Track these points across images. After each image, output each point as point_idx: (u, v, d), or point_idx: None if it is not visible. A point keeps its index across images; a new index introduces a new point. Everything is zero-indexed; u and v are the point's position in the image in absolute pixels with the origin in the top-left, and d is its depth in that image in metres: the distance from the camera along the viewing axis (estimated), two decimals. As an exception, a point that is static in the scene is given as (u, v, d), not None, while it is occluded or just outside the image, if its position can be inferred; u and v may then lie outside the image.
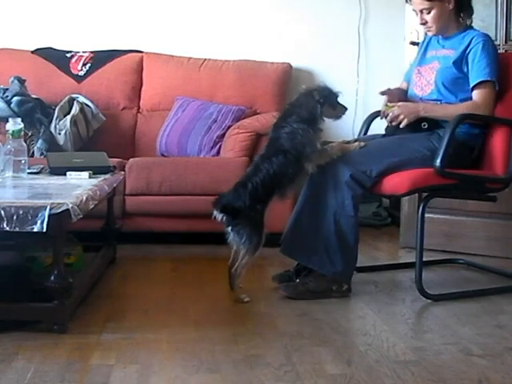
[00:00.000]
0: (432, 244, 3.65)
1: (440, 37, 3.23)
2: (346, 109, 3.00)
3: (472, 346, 2.37)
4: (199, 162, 4.01)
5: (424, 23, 3.14)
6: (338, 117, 3.01)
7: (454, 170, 2.94)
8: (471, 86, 3.05)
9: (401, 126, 3.05)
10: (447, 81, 3.09)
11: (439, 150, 2.89)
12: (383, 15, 4.78)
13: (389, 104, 3.14)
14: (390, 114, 3.07)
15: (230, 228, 2.82)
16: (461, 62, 3.07)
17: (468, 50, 3.06)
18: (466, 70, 3.07)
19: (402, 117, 3.04)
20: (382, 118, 3.19)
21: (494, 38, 3.94)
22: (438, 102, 3.11)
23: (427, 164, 2.92)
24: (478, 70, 3.03)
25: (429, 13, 3.09)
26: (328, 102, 2.92)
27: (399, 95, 3.25)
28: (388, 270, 3.47)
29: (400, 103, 3.10)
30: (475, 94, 3.04)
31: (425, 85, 3.16)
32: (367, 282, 3.21)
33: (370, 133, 3.40)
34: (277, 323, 2.63)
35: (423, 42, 3.36)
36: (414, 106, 3.09)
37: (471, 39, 3.07)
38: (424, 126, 3.06)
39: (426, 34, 3.32)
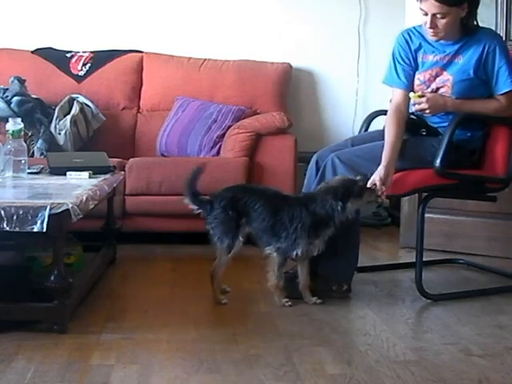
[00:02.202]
0: (432, 244, 3.65)
1: (433, 40, 3.04)
2: (373, 191, 2.80)
3: (472, 346, 2.37)
4: (199, 162, 4.00)
5: (433, 27, 2.88)
6: (369, 202, 2.86)
7: (453, 170, 2.94)
8: (497, 91, 2.95)
9: (425, 114, 2.98)
10: (466, 92, 2.97)
11: (439, 150, 2.88)
12: (383, 15, 4.78)
13: (416, 93, 2.98)
14: (417, 106, 2.96)
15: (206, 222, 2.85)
16: (477, 69, 2.94)
17: (484, 55, 2.92)
18: (483, 76, 2.95)
19: (428, 111, 2.95)
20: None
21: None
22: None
23: (427, 165, 2.91)
24: (502, 78, 2.93)
25: (443, 18, 2.85)
26: (347, 198, 2.77)
27: None
28: (388, 270, 3.47)
29: (429, 94, 2.96)
30: (503, 98, 2.96)
31: (440, 93, 3.01)
32: (367, 281, 3.21)
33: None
34: (277, 323, 2.63)
35: (405, 41, 3.07)
36: (444, 102, 2.96)
37: (485, 43, 2.93)
38: (423, 132, 3.05)
39: (407, 36, 3.07)
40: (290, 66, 4.66)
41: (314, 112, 4.85)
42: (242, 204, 2.82)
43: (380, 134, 3.05)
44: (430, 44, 3.03)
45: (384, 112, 3.35)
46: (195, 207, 2.88)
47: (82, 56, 4.61)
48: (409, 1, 4.17)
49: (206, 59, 4.63)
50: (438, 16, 2.85)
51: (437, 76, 3.02)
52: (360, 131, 3.48)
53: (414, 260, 2.95)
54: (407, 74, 3.06)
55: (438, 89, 3.01)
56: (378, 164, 2.87)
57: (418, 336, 2.55)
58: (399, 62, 3.08)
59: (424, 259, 2.97)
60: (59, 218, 2.36)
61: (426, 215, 2.96)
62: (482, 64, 2.94)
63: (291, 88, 4.72)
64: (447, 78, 3.00)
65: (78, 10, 4.73)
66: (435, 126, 3.06)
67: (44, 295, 2.45)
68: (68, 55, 4.61)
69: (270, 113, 4.27)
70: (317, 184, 2.94)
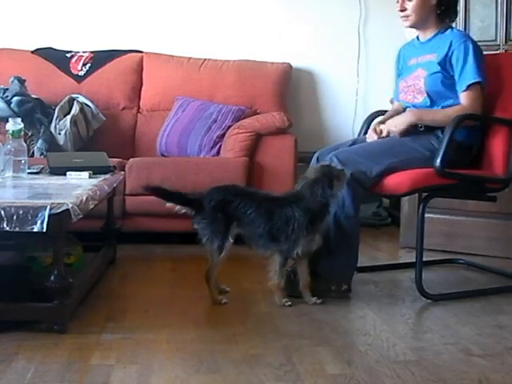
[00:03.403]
0: (432, 244, 3.65)
1: (416, 42, 3.20)
2: (343, 172, 2.83)
3: (472, 346, 2.37)
4: (199, 162, 4.01)
5: (403, 10, 3.10)
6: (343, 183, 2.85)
7: (453, 170, 2.95)
8: (459, 90, 3.02)
9: (395, 132, 3.07)
10: (437, 87, 3.05)
11: (439, 150, 2.89)
12: (383, 15, 4.78)
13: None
14: (381, 135, 3.10)
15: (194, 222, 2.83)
16: (445, 64, 3.03)
17: (450, 52, 3.03)
18: (452, 72, 3.04)
19: (385, 133, 3.07)
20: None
21: (493, 38, 3.97)
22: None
23: (427, 164, 2.92)
24: (463, 74, 3.00)
25: (410, 0, 3.07)
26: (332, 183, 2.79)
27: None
28: (388, 270, 3.47)
29: (386, 123, 3.11)
30: (462, 97, 3.02)
31: (417, 93, 3.12)
32: (367, 281, 3.21)
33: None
34: (277, 323, 2.63)
35: (398, 56, 3.31)
36: (403, 118, 3.08)
37: (451, 41, 3.04)
38: (420, 127, 3.06)
39: (400, 51, 3.29)
40: (290, 66, 4.66)
41: (314, 112, 4.85)
42: (232, 207, 2.78)
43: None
44: (412, 49, 3.20)
45: (384, 112, 3.36)
46: (181, 207, 2.84)
47: (82, 56, 4.61)
48: (409, 1, 4.17)
49: (205, 59, 4.63)
50: None
51: (418, 76, 3.12)
52: (360, 131, 3.49)
53: (414, 260, 2.95)
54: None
55: (412, 85, 3.13)
56: (376, 162, 2.90)
57: (418, 336, 2.55)
58: (397, 77, 3.30)
59: (424, 259, 2.97)
60: (59, 218, 2.36)
61: (426, 215, 2.95)
62: (449, 60, 3.02)
63: (291, 88, 4.72)
64: (423, 74, 3.10)
65: (78, 10, 4.74)
66: None
67: (44, 295, 2.45)
68: (68, 55, 4.61)
69: (270, 113, 4.28)
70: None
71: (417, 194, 3.52)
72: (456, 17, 3.20)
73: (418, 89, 3.11)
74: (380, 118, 3.29)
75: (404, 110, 3.23)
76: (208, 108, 4.32)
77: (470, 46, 3.01)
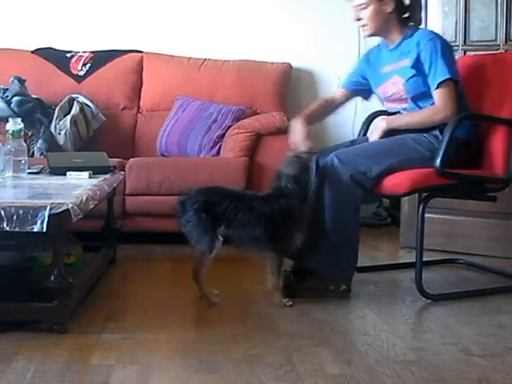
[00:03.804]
0: (432, 244, 3.65)
1: (385, 50, 3.19)
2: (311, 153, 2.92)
3: (472, 346, 2.37)
4: (199, 162, 4.01)
5: (358, 19, 3.09)
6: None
7: (453, 170, 2.95)
8: (431, 89, 3.01)
9: (371, 139, 3.09)
10: (418, 89, 3.04)
11: (439, 150, 2.89)
12: (383, 15, 4.77)
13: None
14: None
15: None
16: (418, 66, 3.02)
17: (418, 51, 3.01)
18: (426, 72, 3.02)
19: (376, 137, 3.08)
20: None
21: (493, 38, 3.97)
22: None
23: (427, 164, 2.92)
24: (432, 73, 2.98)
25: (364, 8, 3.05)
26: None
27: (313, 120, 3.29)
28: (388, 270, 3.47)
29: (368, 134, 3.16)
30: (435, 96, 3.00)
31: (400, 101, 3.12)
32: (367, 281, 3.21)
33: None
34: (277, 323, 2.63)
35: (366, 59, 3.29)
36: (377, 126, 3.10)
37: (419, 40, 3.02)
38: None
39: (368, 53, 3.30)
40: (290, 66, 4.66)
41: (314, 112, 4.84)
42: (220, 209, 2.75)
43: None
44: (382, 56, 3.19)
45: (384, 112, 3.36)
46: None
47: (82, 56, 4.61)
48: (408, 1, 4.17)
49: (206, 59, 4.63)
50: (361, 7, 3.06)
51: (395, 83, 3.11)
52: (360, 131, 3.49)
53: (414, 260, 2.95)
54: (354, 80, 3.33)
55: (393, 94, 3.12)
56: (376, 162, 2.90)
57: (418, 336, 2.55)
58: (355, 70, 3.35)
59: (424, 259, 2.97)
60: (59, 218, 2.36)
61: (426, 215, 2.95)
62: (419, 60, 3.01)
63: (291, 88, 4.72)
64: (399, 80, 3.09)
65: (78, 9, 4.74)
66: None
67: (44, 295, 2.45)
68: (68, 55, 4.62)
69: (270, 113, 4.28)
70: (317, 182, 2.94)
71: (417, 194, 3.52)
72: (420, 20, 3.16)
73: (400, 97, 3.10)
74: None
75: (334, 105, 3.34)
76: (208, 108, 4.32)
77: (438, 43, 2.99)
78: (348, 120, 4.75)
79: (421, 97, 3.05)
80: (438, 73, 2.97)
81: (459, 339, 2.45)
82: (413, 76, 3.03)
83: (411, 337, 2.51)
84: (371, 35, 3.16)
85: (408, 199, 3.91)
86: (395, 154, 2.96)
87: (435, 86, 2.98)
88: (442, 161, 2.87)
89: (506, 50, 3.94)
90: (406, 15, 3.11)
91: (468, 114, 3.01)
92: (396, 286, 3.26)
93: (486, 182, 3.07)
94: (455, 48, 4.00)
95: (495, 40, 3.98)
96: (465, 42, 4.02)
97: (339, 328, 2.57)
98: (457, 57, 3.88)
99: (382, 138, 3.06)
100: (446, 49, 3.01)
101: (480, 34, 4.01)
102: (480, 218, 3.80)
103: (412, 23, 3.12)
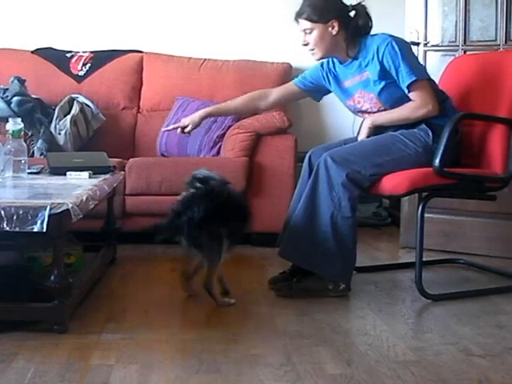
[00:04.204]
0: (432, 244, 3.66)
1: (340, 66, 3.15)
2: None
3: (472, 346, 2.37)
4: (199, 162, 4.00)
5: (306, 44, 3.09)
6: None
7: (453, 170, 2.95)
8: (406, 91, 2.98)
9: (359, 138, 3.08)
10: (394, 95, 3.02)
11: (438, 149, 2.89)
12: (383, 15, 4.75)
13: None
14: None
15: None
16: (384, 74, 2.99)
17: (380, 59, 2.98)
18: (394, 78, 3.00)
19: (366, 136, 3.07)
20: None
21: (493, 38, 3.97)
22: None
23: (421, 160, 2.94)
24: (402, 74, 2.96)
25: (310, 33, 3.05)
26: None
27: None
28: (388, 270, 3.47)
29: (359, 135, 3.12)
30: (412, 97, 2.99)
31: (381, 110, 3.07)
32: (367, 281, 3.21)
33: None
34: (277, 323, 2.63)
35: (326, 64, 3.23)
36: (363, 125, 3.09)
37: (377, 48, 2.99)
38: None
39: (326, 63, 3.24)
40: (290, 66, 4.66)
41: (314, 112, 4.85)
42: (221, 218, 2.72)
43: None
44: (342, 69, 3.16)
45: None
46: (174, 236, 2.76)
47: (82, 56, 4.61)
48: (409, 1, 4.17)
49: (205, 59, 4.63)
50: (307, 32, 3.07)
51: (364, 97, 3.09)
52: (359, 131, 3.48)
53: (414, 260, 2.95)
54: (309, 81, 3.32)
55: (370, 108, 3.09)
56: (370, 160, 2.91)
57: (418, 336, 2.55)
58: (310, 74, 3.31)
59: (424, 259, 2.97)
60: (59, 218, 2.36)
61: (426, 215, 2.96)
62: (384, 68, 2.99)
63: (291, 88, 4.72)
64: (370, 95, 3.07)
65: (78, 9, 4.74)
66: None
67: (44, 295, 2.45)
68: (68, 55, 4.62)
69: (270, 113, 4.27)
70: (311, 183, 2.94)
71: (417, 194, 3.52)
72: (370, 25, 3.11)
73: (378, 108, 3.08)
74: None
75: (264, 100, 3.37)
76: (208, 108, 4.32)
77: (395, 47, 2.96)
78: (348, 120, 4.74)
79: (398, 101, 3.03)
80: (405, 77, 2.96)
81: (459, 339, 2.45)
82: (383, 87, 3.01)
83: (411, 337, 2.51)
84: (321, 58, 3.15)
85: (408, 199, 3.91)
86: (388, 152, 2.96)
87: (407, 90, 2.98)
88: (440, 160, 2.87)
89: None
90: (355, 28, 3.06)
91: (467, 113, 3.01)
92: (396, 286, 3.26)
93: (486, 181, 3.07)
94: (455, 48, 4.01)
95: (495, 40, 3.97)
96: (465, 41, 4.02)
97: (339, 328, 2.57)
98: (456, 55, 3.90)
99: (371, 136, 3.06)
100: (404, 50, 2.98)
101: (480, 34, 4.01)
102: (480, 218, 3.80)
103: (362, 37, 3.07)
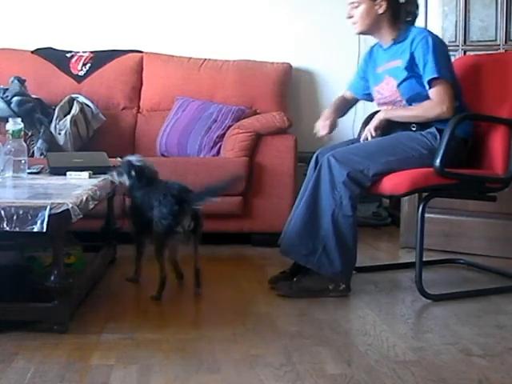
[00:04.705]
0: (432, 244, 3.65)
1: (380, 50, 3.20)
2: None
3: (472, 346, 2.37)
4: (199, 162, 4.01)
5: (350, 17, 3.12)
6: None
7: (453, 170, 2.95)
8: (427, 87, 3.00)
9: (373, 135, 3.06)
10: (414, 90, 3.04)
11: (439, 150, 2.89)
12: (383, 15, 4.77)
13: None
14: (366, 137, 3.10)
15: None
16: (412, 67, 3.02)
17: (412, 51, 3.02)
18: (419, 72, 3.02)
19: (368, 133, 3.07)
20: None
21: (493, 38, 3.97)
22: None
23: (425, 163, 2.93)
24: (426, 69, 2.98)
25: (356, 7, 3.08)
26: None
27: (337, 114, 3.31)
28: (388, 270, 3.47)
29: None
30: (430, 94, 3.01)
31: (395, 102, 3.12)
32: (367, 281, 3.21)
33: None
34: (277, 323, 2.63)
35: (365, 58, 3.32)
36: (375, 116, 3.10)
37: (413, 39, 3.03)
38: (413, 127, 3.06)
39: (367, 54, 3.32)
40: (290, 66, 4.66)
41: (314, 112, 4.83)
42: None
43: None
44: (378, 55, 3.21)
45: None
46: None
47: (82, 56, 4.61)
48: None
49: (205, 59, 4.63)
50: (354, 5, 3.10)
51: (388, 84, 3.12)
52: (360, 132, 3.48)
53: (414, 260, 2.95)
54: (358, 83, 3.37)
55: (390, 97, 3.12)
56: (373, 160, 2.91)
57: (418, 336, 2.55)
58: (358, 74, 3.38)
59: (424, 259, 2.97)
60: (59, 218, 2.36)
61: (426, 215, 2.96)
62: (413, 59, 3.02)
63: (291, 88, 4.72)
64: (393, 83, 3.10)
65: (78, 9, 4.74)
66: None
67: (44, 295, 2.45)
68: (68, 55, 4.62)
69: (270, 113, 4.27)
70: (314, 181, 2.95)
71: (417, 194, 3.52)
72: (416, 15, 3.15)
73: (394, 99, 3.10)
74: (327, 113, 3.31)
75: (354, 101, 3.39)
76: (208, 108, 4.32)
77: (430, 42, 2.99)
78: (348, 120, 4.74)
79: (415, 98, 3.05)
80: (428, 72, 2.98)
81: (459, 339, 2.45)
82: (406, 78, 3.03)
83: (411, 337, 2.51)
84: (360, 33, 3.22)
85: (408, 199, 3.91)
86: (392, 152, 2.96)
87: (428, 84, 2.99)
88: (441, 161, 2.87)
89: (506, 50, 3.94)
90: (401, 18, 3.10)
91: (468, 113, 3.01)
92: (396, 286, 3.26)
93: (486, 181, 3.07)
94: (455, 48, 4.01)
95: (495, 40, 3.98)
96: (465, 41, 4.02)
97: (339, 328, 2.57)
98: (457, 56, 3.90)
99: (379, 128, 3.06)
100: (437, 47, 3.00)
101: (480, 34, 4.01)
102: (480, 218, 3.80)
103: (405, 24, 3.11)
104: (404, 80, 3.04)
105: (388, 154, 2.95)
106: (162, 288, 2.89)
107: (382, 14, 3.08)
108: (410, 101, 3.07)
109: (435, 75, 2.96)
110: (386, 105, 3.17)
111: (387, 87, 3.13)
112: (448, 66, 3.04)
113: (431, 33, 3.08)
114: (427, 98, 3.02)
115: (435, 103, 2.98)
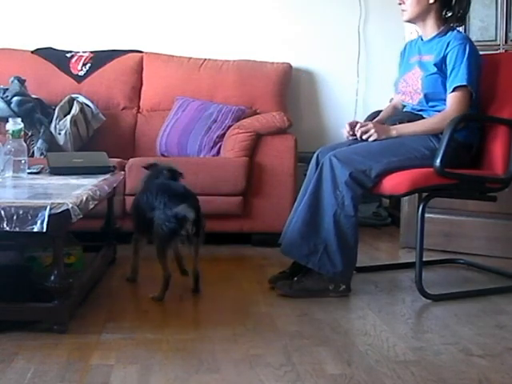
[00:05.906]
0: (432, 244, 3.65)
1: (420, 41, 3.23)
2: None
3: (472, 346, 2.37)
4: (199, 162, 4.01)
5: (401, 3, 3.15)
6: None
7: (454, 170, 2.95)
8: (448, 91, 3.03)
9: (370, 139, 3.04)
10: (434, 88, 3.06)
11: (439, 150, 2.89)
12: (383, 15, 4.78)
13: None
14: (362, 127, 3.06)
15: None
16: (441, 65, 3.05)
17: (446, 52, 3.04)
18: (447, 72, 3.04)
19: (372, 131, 3.04)
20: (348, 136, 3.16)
21: (493, 38, 3.97)
22: (425, 114, 3.12)
23: (427, 164, 2.93)
24: (453, 76, 3.00)
25: None
26: None
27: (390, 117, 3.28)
28: (388, 270, 3.47)
29: (371, 124, 3.10)
30: (448, 99, 3.02)
31: (413, 94, 3.15)
32: (367, 281, 3.21)
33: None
34: (277, 323, 2.63)
35: (404, 49, 3.34)
36: (388, 128, 3.08)
37: (449, 41, 3.05)
38: None
39: (403, 48, 3.33)
40: (290, 66, 4.66)
41: (314, 112, 4.85)
42: None
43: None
44: (415, 46, 3.24)
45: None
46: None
47: (82, 56, 4.61)
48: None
49: (205, 59, 4.63)
50: None
51: (414, 74, 3.16)
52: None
53: (414, 260, 2.95)
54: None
55: (411, 86, 3.16)
56: (376, 161, 2.91)
57: (418, 336, 2.55)
58: (399, 72, 3.34)
59: (424, 259, 2.97)
60: (59, 218, 2.36)
61: (426, 215, 2.95)
62: (445, 60, 3.04)
63: (291, 88, 4.72)
64: (419, 74, 3.13)
65: (78, 9, 4.74)
66: None
67: (44, 295, 2.45)
68: (68, 55, 4.61)
69: (270, 113, 4.27)
70: (316, 181, 2.95)
71: (417, 194, 3.52)
72: (463, 18, 3.19)
73: (414, 89, 3.13)
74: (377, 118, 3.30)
75: (402, 108, 3.30)
76: (208, 108, 4.32)
77: (467, 49, 3.01)
78: (348, 120, 4.73)
79: (433, 97, 3.07)
80: (458, 77, 2.99)
81: (459, 339, 2.45)
82: (433, 73, 3.06)
83: (411, 337, 2.51)
84: (408, 21, 3.22)
85: (408, 199, 3.91)
86: (395, 153, 2.96)
87: (452, 88, 3.00)
88: (441, 161, 2.87)
89: (506, 50, 3.95)
90: (449, 14, 3.14)
91: (468, 113, 3.01)
92: (396, 286, 3.26)
93: (486, 181, 3.07)
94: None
95: (495, 40, 3.98)
96: (465, 42, 4.01)
97: (339, 328, 2.57)
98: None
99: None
100: (472, 57, 3.02)
101: (480, 34, 4.01)
102: (480, 218, 3.80)
103: (451, 22, 3.14)
104: (430, 74, 3.07)
105: (390, 154, 2.95)
106: (166, 287, 2.87)
107: (432, 3, 3.10)
108: (427, 97, 3.09)
109: (464, 82, 2.98)
110: (405, 95, 3.20)
111: (413, 77, 3.16)
112: (478, 77, 3.05)
113: (471, 41, 3.09)
114: (443, 100, 3.04)
115: (450, 114, 2.97)
